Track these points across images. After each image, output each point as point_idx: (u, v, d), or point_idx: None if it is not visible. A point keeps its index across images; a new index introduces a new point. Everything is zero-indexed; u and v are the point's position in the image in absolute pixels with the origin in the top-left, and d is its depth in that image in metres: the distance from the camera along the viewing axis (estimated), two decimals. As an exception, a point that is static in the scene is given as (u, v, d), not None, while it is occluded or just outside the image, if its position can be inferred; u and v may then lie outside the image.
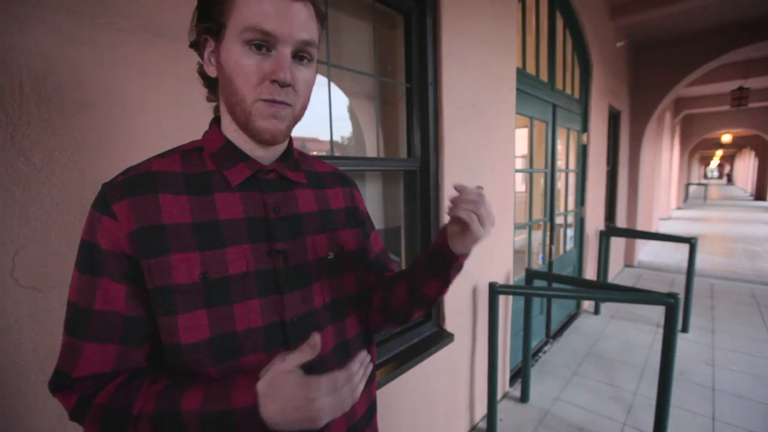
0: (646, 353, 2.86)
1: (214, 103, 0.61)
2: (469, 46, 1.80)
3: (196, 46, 0.55)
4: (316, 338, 0.47)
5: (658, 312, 3.55)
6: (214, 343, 0.50)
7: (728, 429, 2.02)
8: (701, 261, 5.46)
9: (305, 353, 0.46)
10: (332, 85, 1.42)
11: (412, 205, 1.72)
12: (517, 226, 2.53)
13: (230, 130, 0.56)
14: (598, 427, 2.05)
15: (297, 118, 0.55)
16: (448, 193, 1.73)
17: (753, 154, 18.47)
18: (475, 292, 1.99)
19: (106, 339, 0.48)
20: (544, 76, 2.84)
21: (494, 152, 2.07)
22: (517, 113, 2.36)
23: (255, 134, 0.52)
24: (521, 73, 2.40)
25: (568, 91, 3.30)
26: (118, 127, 0.79)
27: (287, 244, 0.56)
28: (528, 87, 2.51)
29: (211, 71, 0.54)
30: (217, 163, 0.55)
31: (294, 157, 0.62)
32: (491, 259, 2.13)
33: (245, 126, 0.52)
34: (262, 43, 0.48)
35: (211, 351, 0.50)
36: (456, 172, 1.78)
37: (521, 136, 2.78)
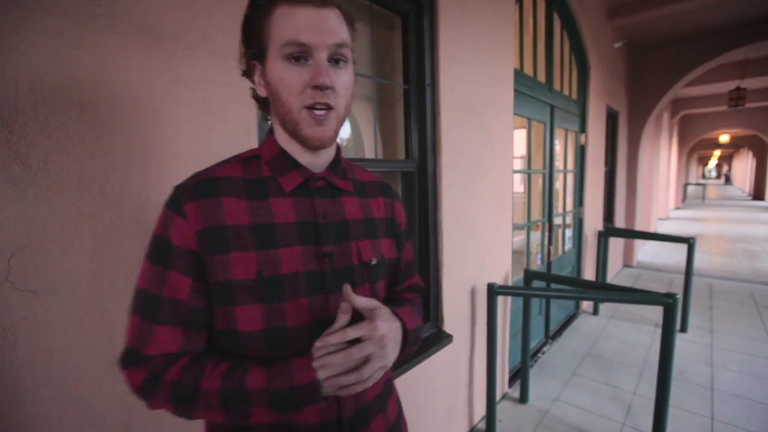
0: (645, 353, 2.86)
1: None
2: (466, 47, 1.81)
3: (248, 74, 0.60)
4: (344, 305, 0.53)
5: (656, 312, 3.56)
6: (267, 335, 0.56)
7: (727, 428, 2.02)
8: (700, 261, 5.47)
9: (341, 320, 0.53)
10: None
11: (410, 207, 1.72)
12: (516, 227, 2.53)
13: (283, 140, 0.61)
14: (597, 427, 2.05)
15: (342, 119, 0.58)
16: (446, 194, 1.74)
17: (751, 154, 18.52)
18: (473, 293, 1.99)
19: (174, 323, 0.53)
20: (541, 77, 2.84)
21: (492, 153, 2.08)
22: (515, 114, 2.36)
23: (304, 141, 0.56)
24: (519, 74, 2.40)
25: (566, 92, 3.30)
26: (115, 129, 0.79)
27: (333, 247, 0.60)
28: (526, 88, 2.51)
29: (262, 92, 0.59)
30: (272, 170, 0.60)
31: (342, 166, 0.66)
32: (490, 260, 2.13)
33: (295, 134, 0.57)
34: (300, 54, 0.52)
35: (264, 341, 0.56)
36: (454, 173, 1.78)
37: (519, 137, 2.78)
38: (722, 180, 39.67)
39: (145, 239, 0.83)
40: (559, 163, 3.36)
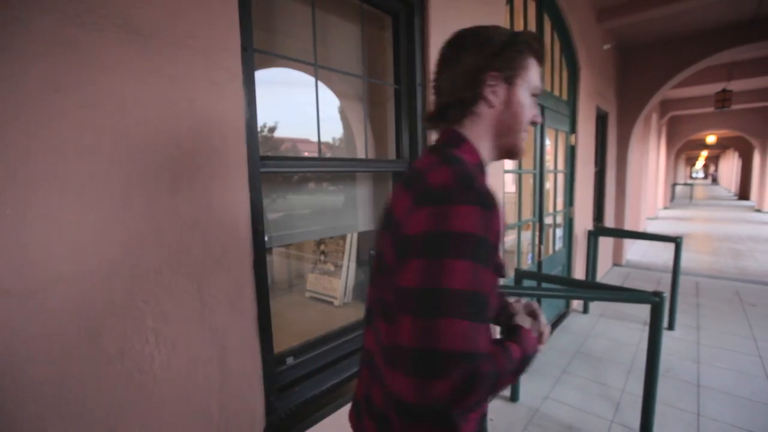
0: (633, 351, 2.90)
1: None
2: (457, 47, 1.81)
3: (476, 81, 0.68)
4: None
5: (645, 310, 3.61)
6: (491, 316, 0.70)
7: (713, 424, 2.05)
8: (687, 260, 5.56)
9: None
10: (322, 86, 1.42)
11: (401, 206, 1.72)
12: (507, 227, 2.55)
13: (485, 148, 0.71)
14: (586, 424, 2.08)
15: None
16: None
17: (737, 154, 18.87)
18: (465, 292, 1.99)
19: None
20: (532, 78, 2.85)
21: (483, 153, 2.08)
22: (506, 114, 2.37)
23: (516, 153, 0.73)
24: (510, 74, 2.41)
25: (556, 92, 3.33)
26: (98, 129, 0.77)
27: None
28: (517, 88, 2.52)
29: (492, 101, 0.68)
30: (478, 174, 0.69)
31: None
32: (481, 259, 2.13)
33: (511, 147, 0.72)
34: (536, 96, 0.72)
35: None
36: (445, 173, 1.78)
37: (510, 137, 2.79)
38: (709, 180, 40.42)
39: (130, 241, 0.82)
40: (549, 164, 3.39)
